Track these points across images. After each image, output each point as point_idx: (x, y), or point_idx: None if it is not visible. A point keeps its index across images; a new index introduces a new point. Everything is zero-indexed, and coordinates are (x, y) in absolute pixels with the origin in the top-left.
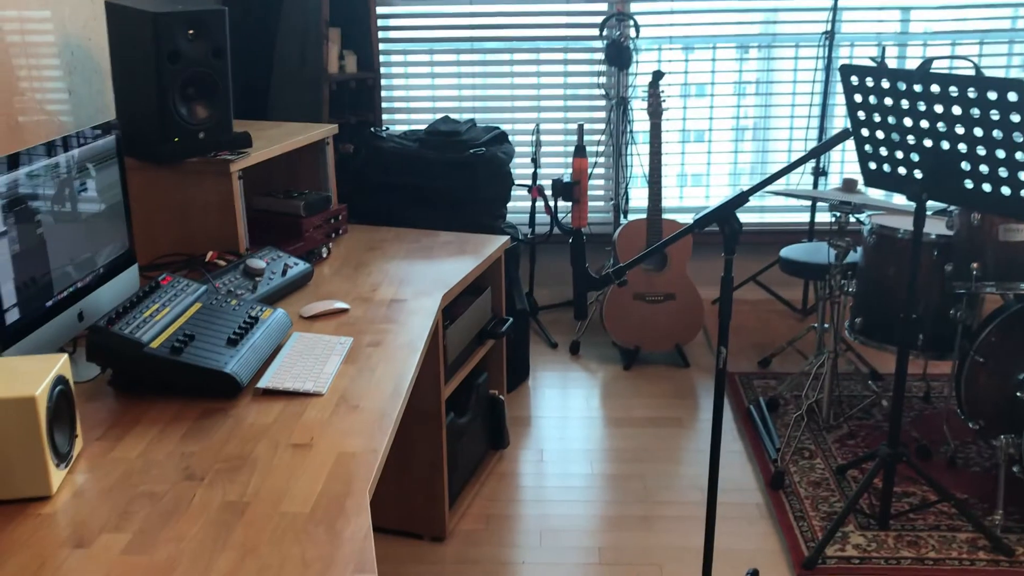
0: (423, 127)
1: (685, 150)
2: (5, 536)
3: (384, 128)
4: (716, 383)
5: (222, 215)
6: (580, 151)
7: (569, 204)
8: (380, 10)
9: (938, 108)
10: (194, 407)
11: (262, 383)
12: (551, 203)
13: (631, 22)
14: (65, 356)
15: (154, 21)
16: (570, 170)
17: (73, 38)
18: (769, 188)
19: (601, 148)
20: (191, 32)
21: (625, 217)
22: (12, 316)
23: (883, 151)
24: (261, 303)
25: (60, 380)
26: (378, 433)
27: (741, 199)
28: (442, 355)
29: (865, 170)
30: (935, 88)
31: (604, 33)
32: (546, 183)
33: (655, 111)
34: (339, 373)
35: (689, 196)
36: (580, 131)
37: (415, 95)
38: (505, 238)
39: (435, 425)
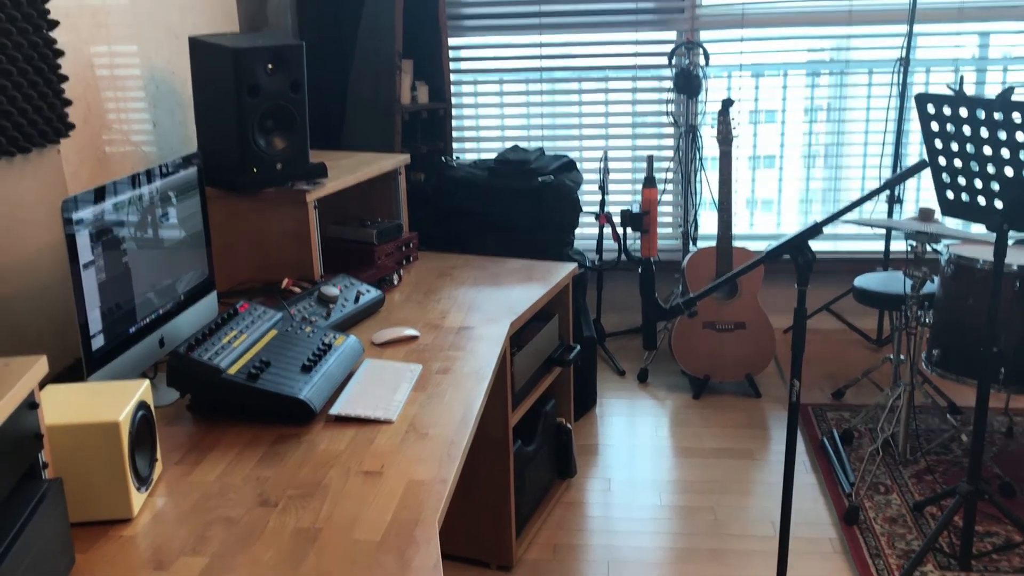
0: (492, 156)
1: (755, 176)
2: (89, 557)
3: (455, 157)
4: (789, 416)
5: (298, 243)
6: (650, 182)
7: (638, 233)
8: (452, 41)
9: (1020, 136)
10: (269, 432)
11: (334, 410)
12: (619, 231)
13: (700, 50)
14: (147, 382)
15: (235, 56)
16: (639, 199)
17: (158, 71)
18: (843, 217)
19: (670, 175)
20: (270, 66)
21: (694, 244)
22: (98, 342)
23: (961, 180)
24: (334, 330)
25: (142, 405)
26: (447, 461)
27: (815, 230)
28: (509, 382)
29: (943, 200)
30: (1016, 117)
31: (673, 62)
32: (614, 211)
33: (725, 139)
34: (409, 400)
35: (759, 223)
36: (650, 162)
37: (485, 124)
38: (573, 265)
39: (502, 453)
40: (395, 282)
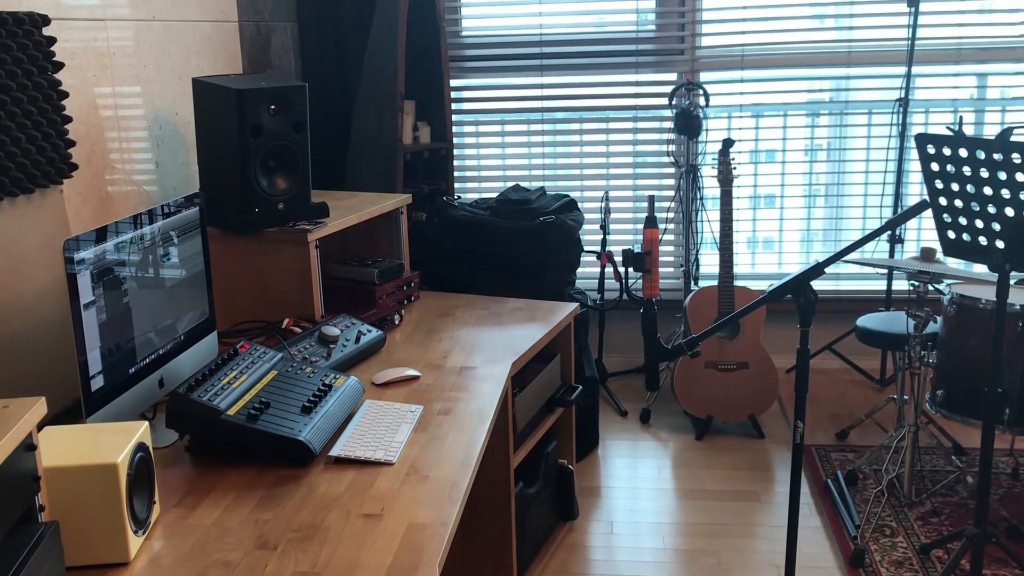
0: (494, 195)
1: (756, 216)
2: None
3: (456, 197)
4: (793, 458)
5: (299, 283)
6: (651, 222)
7: (639, 273)
8: (453, 82)
9: (1020, 176)
10: (268, 474)
11: (334, 451)
12: (621, 270)
13: (700, 91)
14: (146, 424)
15: (238, 97)
16: (640, 239)
17: (161, 112)
18: (845, 257)
19: (671, 215)
20: (273, 107)
21: (696, 284)
22: (97, 383)
23: (963, 220)
24: (335, 370)
25: (141, 447)
26: (448, 504)
27: (817, 270)
28: (511, 423)
29: (944, 239)
30: (1016, 157)
31: (673, 102)
32: (615, 250)
33: (726, 179)
34: (410, 441)
35: (761, 263)
36: (651, 202)
37: (486, 164)
38: (574, 305)
39: (504, 495)
40: (396, 322)
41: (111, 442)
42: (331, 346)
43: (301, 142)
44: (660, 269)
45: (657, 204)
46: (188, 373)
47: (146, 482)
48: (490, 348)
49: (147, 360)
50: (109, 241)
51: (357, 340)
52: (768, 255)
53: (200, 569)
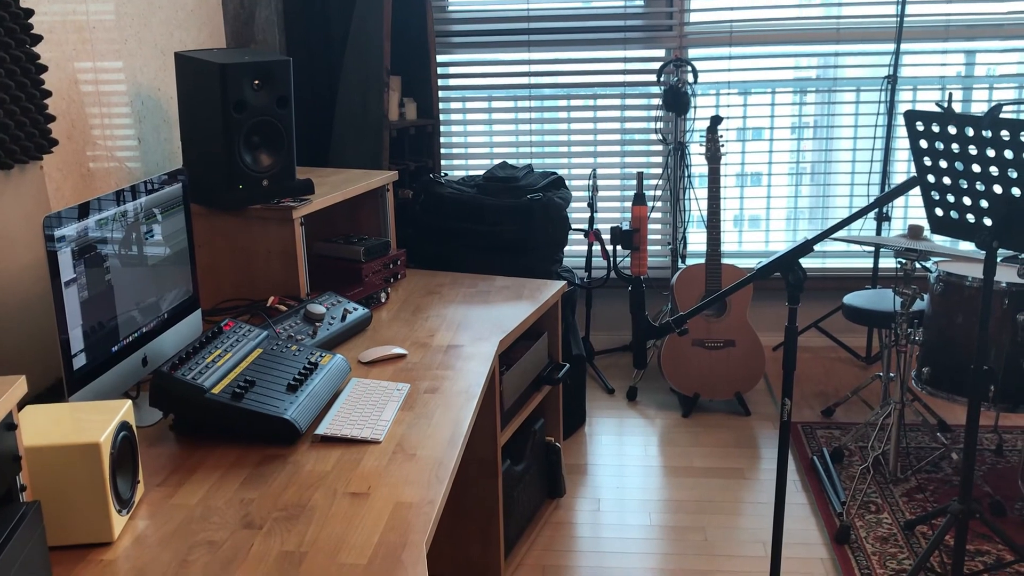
0: (480, 172)
1: (743, 194)
2: None
3: (443, 174)
4: (780, 436)
5: (284, 261)
6: (639, 199)
7: (627, 251)
8: (440, 58)
9: (1008, 154)
10: (253, 453)
11: (320, 430)
12: (608, 248)
13: (689, 68)
14: (129, 402)
15: (221, 72)
16: (628, 217)
17: (144, 88)
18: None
19: (658, 192)
20: (257, 82)
21: (683, 262)
22: (79, 361)
23: (950, 198)
24: (321, 349)
25: (124, 426)
26: (435, 483)
27: (805, 248)
28: (498, 401)
29: (932, 217)
30: (1005, 134)
31: (662, 79)
32: (603, 227)
33: (713, 156)
34: (396, 420)
35: (748, 240)
36: (640, 179)
37: (473, 141)
38: (562, 283)
39: (491, 472)
40: (383, 300)
41: (94, 421)
42: (317, 324)
43: (285, 118)
44: (648, 247)
45: (645, 183)
46: (172, 351)
47: (129, 461)
48: (477, 326)
49: (130, 338)
50: (91, 218)
51: (343, 318)
52: (755, 233)
53: (185, 549)
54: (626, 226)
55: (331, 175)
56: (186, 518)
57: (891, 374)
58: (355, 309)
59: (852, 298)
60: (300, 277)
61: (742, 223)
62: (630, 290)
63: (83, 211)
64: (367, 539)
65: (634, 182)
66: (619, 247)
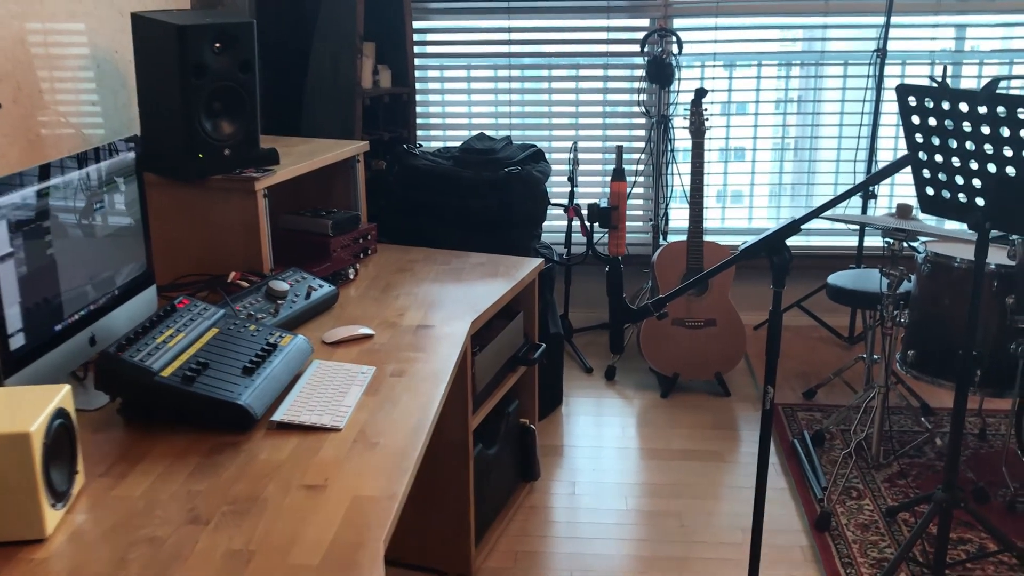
0: (458, 144)
1: (727, 169)
2: None
3: (418, 145)
4: (763, 424)
5: (246, 234)
6: (619, 175)
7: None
8: (416, 24)
9: (1004, 131)
10: (205, 440)
11: (277, 416)
12: (588, 225)
13: (673, 39)
14: (67, 387)
15: (179, 33)
16: (608, 193)
17: (101, 50)
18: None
19: (640, 167)
20: (218, 45)
21: (664, 238)
22: (17, 341)
23: (942, 176)
24: (281, 328)
25: (60, 413)
26: (397, 475)
27: (792, 228)
28: (470, 384)
29: (922, 196)
30: (1001, 110)
31: (645, 50)
32: (584, 202)
33: (697, 130)
34: (359, 406)
35: (731, 217)
36: (619, 153)
37: (451, 111)
38: (539, 260)
39: (462, 457)
40: (351, 276)
41: (27, 408)
42: (279, 302)
43: (249, 83)
44: (628, 224)
45: (626, 156)
46: (124, 330)
47: (67, 451)
48: (449, 305)
49: (76, 316)
50: (30, 187)
51: (308, 296)
52: (738, 209)
53: (124, 546)
54: (604, 203)
55: (299, 144)
56: (128, 512)
57: (875, 356)
58: (321, 286)
59: (837, 278)
60: (263, 252)
61: (725, 199)
62: (607, 271)
63: (21, 180)
64: (321, 536)
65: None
66: (597, 225)
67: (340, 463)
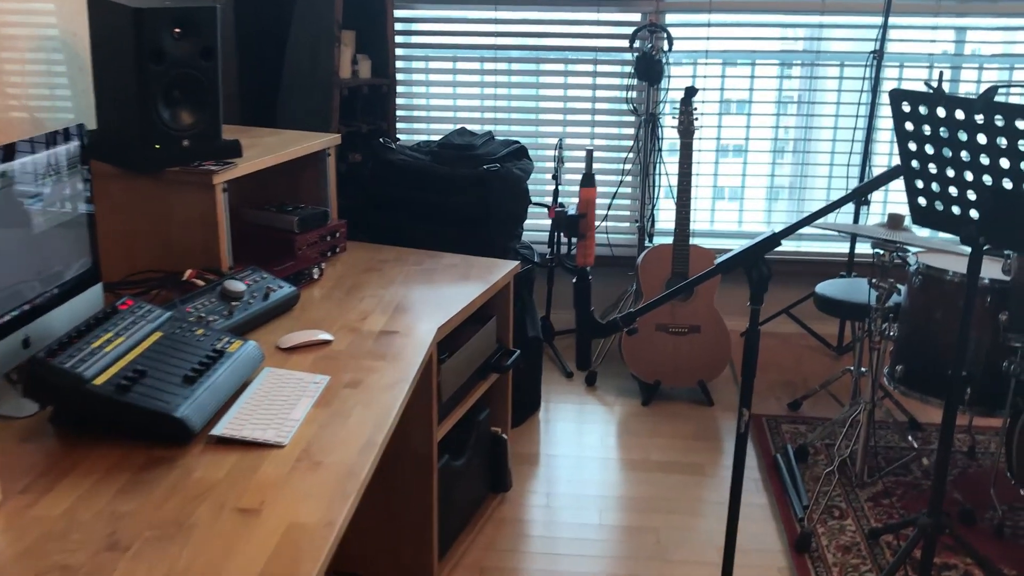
0: (440, 138)
1: (719, 170)
2: None
3: (396, 139)
4: (736, 447)
5: (204, 230)
6: (588, 180)
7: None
8: (398, 13)
9: (1001, 141)
10: (139, 454)
11: (217, 430)
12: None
13: (664, 34)
14: None
15: (135, 16)
16: (576, 201)
17: (58, 32)
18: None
19: (628, 166)
20: (178, 31)
21: (650, 240)
22: None
23: (935, 187)
24: (232, 333)
25: None
26: (338, 500)
27: (773, 241)
28: (435, 393)
29: (914, 207)
30: (998, 119)
31: (635, 45)
32: (567, 201)
33: (686, 130)
34: (308, 419)
35: (720, 219)
36: (589, 157)
37: (435, 104)
38: (515, 263)
39: (426, 469)
40: (316, 276)
41: None
42: (234, 304)
43: (210, 71)
44: (613, 224)
45: (615, 155)
46: (63, 332)
47: None
48: (416, 309)
49: (8, 316)
50: None
51: (266, 297)
52: (730, 207)
53: (31, 574)
54: (572, 210)
55: (267, 136)
56: (43, 534)
57: (863, 369)
58: (280, 287)
59: (825, 287)
60: (221, 249)
61: (718, 197)
62: (575, 283)
63: None
64: (247, 568)
65: (605, 153)
66: (563, 234)
67: (279, 485)
